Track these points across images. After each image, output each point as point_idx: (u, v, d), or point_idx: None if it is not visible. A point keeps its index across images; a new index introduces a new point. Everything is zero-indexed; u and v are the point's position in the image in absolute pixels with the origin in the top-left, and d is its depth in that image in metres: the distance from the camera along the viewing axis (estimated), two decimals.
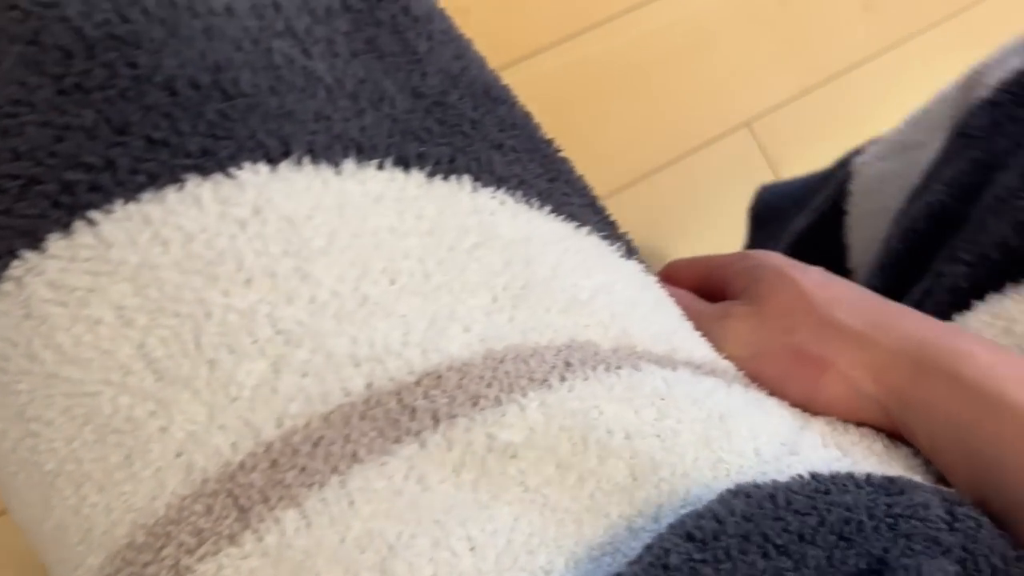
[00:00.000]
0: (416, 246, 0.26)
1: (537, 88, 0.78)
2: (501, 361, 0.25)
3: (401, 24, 0.30)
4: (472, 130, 0.29)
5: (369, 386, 0.23)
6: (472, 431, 0.24)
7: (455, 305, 0.25)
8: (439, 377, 0.24)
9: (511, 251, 0.28)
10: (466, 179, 0.28)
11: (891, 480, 0.26)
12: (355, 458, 0.23)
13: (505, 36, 0.77)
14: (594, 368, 0.26)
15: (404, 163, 0.27)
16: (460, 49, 0.31)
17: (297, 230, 0.24)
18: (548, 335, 0.27)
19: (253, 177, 0.24)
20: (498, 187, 0.29)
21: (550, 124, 0.36)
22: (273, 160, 0.24)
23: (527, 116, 0.33)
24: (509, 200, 0.29)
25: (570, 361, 0.26)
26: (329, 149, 0.25)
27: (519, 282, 0.27)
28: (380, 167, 0.26)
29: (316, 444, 0.23)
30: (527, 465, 0.24)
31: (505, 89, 0.32)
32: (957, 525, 0.25)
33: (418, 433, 0.24)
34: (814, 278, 0.33)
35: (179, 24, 0.24)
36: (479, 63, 0.32)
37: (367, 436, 0.23)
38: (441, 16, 0.32)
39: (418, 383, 0.24)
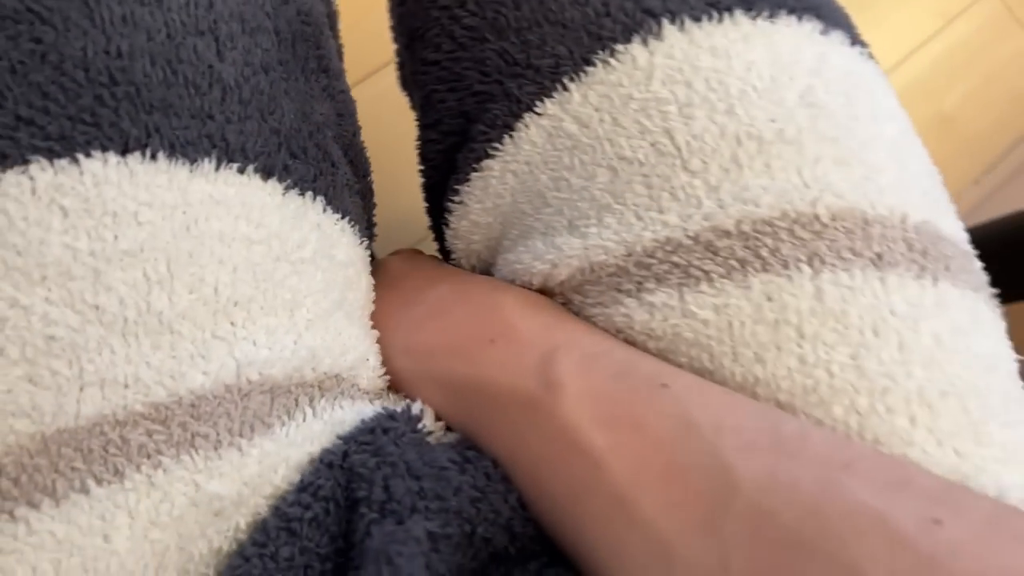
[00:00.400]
0: (238, 254, 0.25)
1: (398, 98, 0.78)
2: (245, 395, 0.24)
3: (310, 67, 0.32)
4: (337, 165, 0.32)
5: (102, 412, 0.22)
6: (174, 475, 0.23)
7: (243, 324, 0.25)
8: (167, 408, 0.23)
9: (338, 273, 0.29)
10: (320, 200, 0.29)
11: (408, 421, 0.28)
12: (50, 491, 0.22)
13: (354, 53, 0.77)
14: (314, 401, 0.26)
15: (267, 172, 0.27)
16: (342, 109, 0.35)
17: (117, 227, 0.23)
18: (326, 364, 0.27)
19: (97, 166, 0.23)
20: (343, 216, 0.31)
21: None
22: (128, 150, 0.24)
23: (370, 183, 0.37)
24: (349, 229, 0.31)
25: (313, 395, 0.26)
26: (192, 145, 0.25)
27: (328, 302, 0.28)
28: (241, 171, 0.26)
29: (23, 469, 0.22)
30: (229, 528, 0.23)
31: (361, 153, 0.37)
32: (468, 468, 0.26)
33: (120, 471, 0.22)
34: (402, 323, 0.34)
35: (100, 8, 0.24)
36: (354, 128, 0.36)
37: (72, 467, 0.22)
38: (344, 84, 0.36)
39: (145, 415, 0.23)
